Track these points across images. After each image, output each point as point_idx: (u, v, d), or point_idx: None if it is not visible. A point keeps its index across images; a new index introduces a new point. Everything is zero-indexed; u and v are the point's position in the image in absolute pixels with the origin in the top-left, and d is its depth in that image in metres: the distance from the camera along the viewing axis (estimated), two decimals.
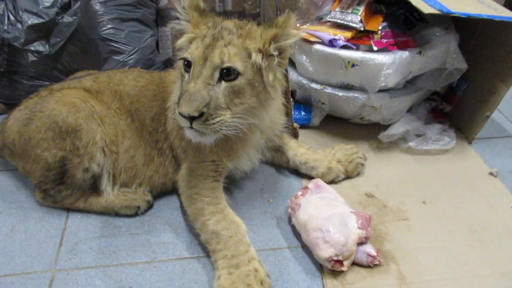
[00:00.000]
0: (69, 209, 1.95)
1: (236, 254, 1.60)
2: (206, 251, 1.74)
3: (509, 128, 2.65)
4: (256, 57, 1.54)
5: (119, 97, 1.97)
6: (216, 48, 1.51)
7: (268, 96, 1.65)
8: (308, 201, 1.81)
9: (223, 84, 1.53)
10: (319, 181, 1.93)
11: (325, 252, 1.62)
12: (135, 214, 1.93)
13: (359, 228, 1.68)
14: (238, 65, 1.52)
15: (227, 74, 1.52)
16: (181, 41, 1.68)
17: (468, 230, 1.89)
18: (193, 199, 1.79)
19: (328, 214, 1.72)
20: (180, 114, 1.49)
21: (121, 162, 1.93)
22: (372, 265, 1.69)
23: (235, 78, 1.54)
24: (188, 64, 1.59)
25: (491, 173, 2.23)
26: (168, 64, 2.69)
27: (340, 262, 1.63)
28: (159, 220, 1.93)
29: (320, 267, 1.71)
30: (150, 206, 1.97)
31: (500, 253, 1.78)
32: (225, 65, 1.51)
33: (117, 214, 1.93)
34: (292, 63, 2.45)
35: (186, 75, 1.58)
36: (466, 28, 2.40)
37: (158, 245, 1.81)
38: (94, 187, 1.92)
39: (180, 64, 1.63)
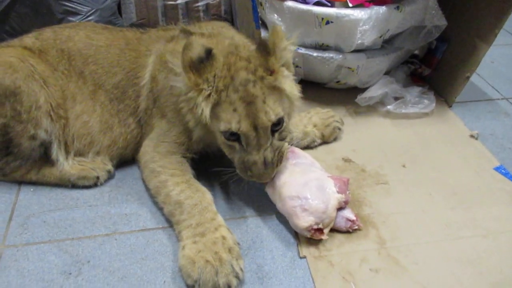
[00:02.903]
0: (21, 182, 1.79)
1: (201, 222, 1.48)
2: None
3: (489, 92, 2.58)
4: (287, 86, 1.50)
5: (67, 57, 1.79)
6: (259, 112, 1.43)
7: (294, 105, 1.59)
8: (282, 168, 1.68)
9: (276, 135, 1.52)
10: (293, 147, 1.80)
11: (304, 221, 1.50)
12: (94, 185, 1.78)
13: (338, 192, 1.56)
14: (280, 111, 1.48)
15: (276, 125, 1.49)
16: (186, 108, 1.53)
17: (449, 193, 1.81)
18: (157, 172, 1.65)
19: (304, 180, 1.59)
20: (260, 182, 1.55)
21: (73, 128, 1.76)
22: (351, 230, 1.59)
23: (282, 125, 1.52)
24: (232, 133, 1.46)
25: (472, 136, 2.15)
26: None
27: (320, 231, 1.52)
28: (121, 191, 1.78)
29: (295, 234, 1.60)
30: (111, 176, 1.82)
31: (482, 215, 1.70)
32: (272, 122, 1.45)
33: (74, 186, 1.77)
34: (264, 24, 2.30)
35: (237, 145, 1.50)
36: None
37: (120, 216, 1.67)
38: (47, 157, 1.75)
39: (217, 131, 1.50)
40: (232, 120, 1.42)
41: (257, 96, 1.43)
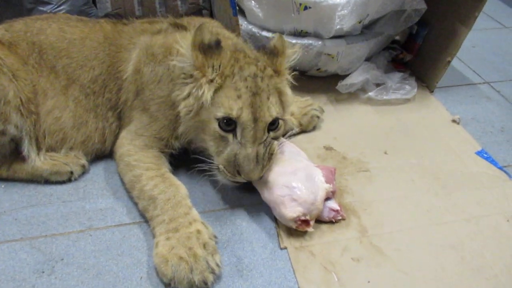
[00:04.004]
0: None
1: (174, 217, 1.43)
2: None
3: (470, 76, 2.57)
4: (287, 91, 1.55)
5: (38, 50, 1.72)
6: (263, 105, 1.43)
7: (288, 107, 1.60)
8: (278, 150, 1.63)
9: (271, 134, 1.51)
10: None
11: (292, 211, 1.46)
12: (68, 180, 1.72)
13: (326, 182, 1.53)
14: (279, 112, 1.49)
15: (272, 123, 1.49)
16: (185, 93, 1.48)
17: (431, 178, 1.79)
18: (132, 166, 1.60)
19: (292, 169, 1.56)
20: (248, 179, 1.47)
21: (44, 124, 1.70)
22: (334, 221, 1.56)
23: (278, 125, 1.52)
24: (228, 123, 1.42)
25: (453, 120, 2.14)
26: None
27: (306, 222, 1.48)
28: (96, 185, 1.73)
29: (276, 224, 1.56)
30: (85, 171, 1.76)
31: (465, 199, 1.69)
32: (272, 118, 1.46)
33: (48, 181, 1.71)
34: (241, 11, 2.24)
35: (230, 136, 1.45)
36: None
37: (95, 212, 1.61)
38: (18, 153, 1.68)
39: (210, 119, 1.46)
40: (234, 106, 1.40)
41: (263, 90, 1.44)
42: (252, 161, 1.42)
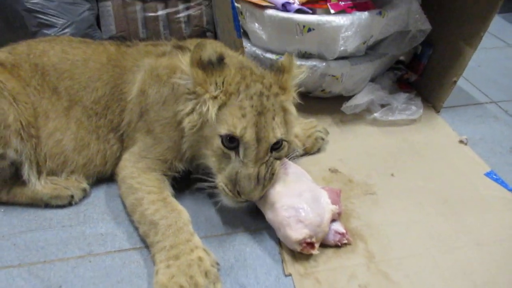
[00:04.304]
0: None
1: (175, 244, 1.39)
2: None
3: (476, 96, 2.54)
4: (292, 109, 1.55)
5: (41, 72, 1.72)
6: (268, 126, 1.42)
7: (292, 128, 1.61)
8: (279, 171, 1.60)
9: (274, 154, 1.49)
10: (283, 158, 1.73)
11: (298, 233, 1.42)
12: (68, 204, 1.70)
13: (331, 204, 1.50)
14: (283, 133, 1.48)
15: (276, 144, 1.47)
16: (188, 108, 1.48)
17: (440, 201, 1.74)
18: (134, 189, 1.57)
19: (298, 190, 1.53)
20: (247, 199, 1.45)
21: (45, 147, 1.68)
22: (340, 244, 1.51)
23: (282, 145, 1.51)
24: (231, 140, 1.41)
25: (461, 141, 2.10)
26: None
27: (311, 245, 1.44)
28: (97, 210, 1.70)
29: (281, 249, 1.52)
30: (86, 195, 1.74)
31: (475, 223, 1.64)
32: (276, 139, 1.45)
33: (48, 205, 1.68)
34: (245, 33, 2.24)
35: (232, 154, 1.43)
36: None
37: (95, 237, 1.58)
38: (18, 177, 1.65)
39: (213, 137, 1.45)
40: (238, 124, 1.39)
41: (269, 110, 1.43)
42: (253, 181, 1.40)
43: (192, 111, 1.46)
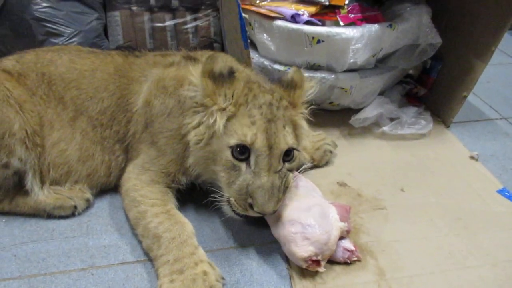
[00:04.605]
0: None
1: (179, 258, 1.35)
2: None
3: (487, 111, 2.51)
4: (303, 124, 1.53)
5: (47, 81, 1.70)
6: (279, 133, 1.39)
7: (302, 141, 1.58)
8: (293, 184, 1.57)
9: (286, 165, 1.45)
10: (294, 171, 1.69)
11: (303, 250, 1.37)
12: (71, 215, 1.66)
13: (340, 220, 1.45)
14: (295, 143, 1.45)
15: (287, 154, 1.43)
16: (195, 122, 1.45)
17: (451, 218, 1.69)
18: (137, 202, 1.53)
19: (307, 205, 1.49)
20: (261, 212, 1.38)
21: (49, 157, 1.65)
22: (349, 261, 1.47)
23: (293, 156, 1.47)
24: (241, 151, 1.37)
25: (472, 157, 2.06)
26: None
27: (317, 262, 1.39)
28: (100, 221, 1.66)
29: (288, 265, 1.47)
30: (89, 205, 1.70)
31: (489, 242, 1.59)
32: (288, 146, 1.41)
33: (50, 216, 1.65)
34: (253, 44, 2.23)
35: (243, 166, 1.39)
36: (440, 3, 2.23)
37: (98, 249, 1.54)
38: (21, 186, 1.62)
39: (222, 149, 1.41)
40: (248, 132, 1.35)
41: (279, 118, 1.41)
42: (267, 192, 1.34)
43: (199, 124, 1.43)
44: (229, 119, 1.39)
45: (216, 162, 1.44)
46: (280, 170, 1.40)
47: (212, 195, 1.49)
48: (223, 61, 1.40)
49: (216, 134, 1.39)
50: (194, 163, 1.52)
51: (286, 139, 1.39)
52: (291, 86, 1.51)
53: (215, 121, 1.38)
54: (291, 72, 1.54)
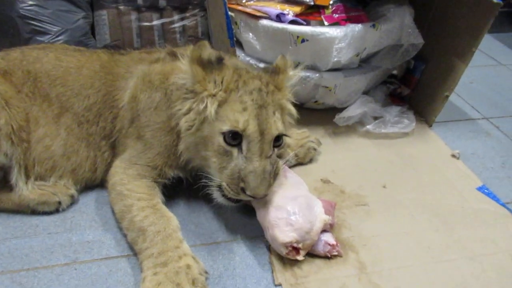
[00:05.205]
0: None
1: (163, 251, 1.36)
2: None
3: (469, 111, 2.55)
4: (290, 107, 1.57)
5: (33, 78, 1.70)
6: (269, 118, 1.42)
7: (289, 128, 1.62)
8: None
9: (275, 150, 1.49)
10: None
11: (285, 235, 1.40)
12: (55, 211, 1.66)
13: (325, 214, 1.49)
14: (284, 129, 1.49)
15: (277, 140, 1.47)
16: (186, 108, 1.47)
17: (431, 214, 1.73)
18: (124, 196, 1.54)
19: (293, 194, 1.52)
20: (253, 195, 1.40)
21: (34, 152, 1.65)
22: (329, 255, 1.49)
23: (282, 142, 1.51)
24: (234, 137, 1.39)
25: (453, 155, 2.10)
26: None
27: (297, 250, 1.42)
28: (85, 217, 1.66)
29: (270, 259, 1.49)
30: (74, 201, 1.70)
31: (467, 236, 1.63)
32: (279, 132, 1.45)
33: (34, 212, 1.64)
34: (239, 43, 2.25)
35: (234, 152, 1.41)
36: (423, 4, 2.28)
37: (81, 244, 1.54)
38: (5, 182, 1.62)
39: (214, 133, 1.43)
40: (240, 118, 1.38)
41: (269, 104, 1.44)
42: (259, 176, 1.37)
43: (189, 110, 1.45)
44: (220, 104, 1.42)
45: (208, 147, 1.46)
46: (271, 156, 1.43)
47: (203, 180, 1.50)
48: (210, 48, 1.43)
49: (208, 120, 1.42)
50: (185, 149, 1.54)
51: (277, 125, 1.43)
52: (275, 71, 1.54)
53: (205, 107, 1.41)
54: (277, 59, 1.58)
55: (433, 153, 2.13)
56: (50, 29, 2.11)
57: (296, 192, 1.54)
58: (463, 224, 1.68)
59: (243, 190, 1.40)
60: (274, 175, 1.46)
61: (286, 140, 1.90)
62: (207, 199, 1.58)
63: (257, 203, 1.53)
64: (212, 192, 1.50)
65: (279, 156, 1.55)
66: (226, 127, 1.38)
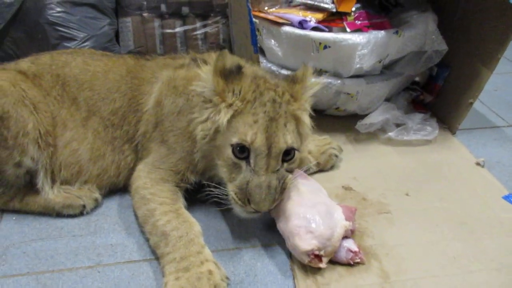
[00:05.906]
0: (3, 210, 1.71)
1: (186, 256, 1.37)
2: None
3: (493, 119, 2.51)
4: (306, 119, 1.53)
5: (62, 82, 1.74)
6: (278, 131, 1.41)
7: (306, 139, 1.59)
8: (291, 185, 1.58)
9: (285, 165, 1.47)
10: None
11: (306, 243, 1.39)
12: (80, 214, 1.69)
13: (345, 220, 1.47)
14: (295, 142, 1.46)
15: (287, 153, 1.46)
16: (204, 117, 1.48)
17: (456, 223, 1.70)
18: (147, 200, 1.56)
19: (312, 201, 1.51)
20: (256, 210, 1.41)
21: (61, 156, 1.69)
22: (352, 263, 1.48)
23: (293, 157, 1.48)
24: (241, 150, 1.40)
25: (478, 163, 2.06)
26: None
27: (319, 258, 1.41)
28: (108, 220, 1.69)
29: (292, 265, 1.48)
30: (98, 205, 1.74)
31: (494, 247, 1.59)
32: (287, 147, 1.42)
33: (59, 214, 1.68)
34: (261, 50, 2.26)
35: (243, 164, 1.42)
36: (447, 11, 2.25)
37: (105, 247, 1.56)
38: (32, 185, 1.66)
39: (224, 146, 1.45)
40: (248, 131, 1.38)
41: (280, 116, 1.43)
42: (263, 190, 1.37)
43: (207, 119, 1.47)
44: (234, 115, 1.43)
45: (220, 157, 1.48)
46: (278, 170, 1.42)
47: (217, 190, 1.50)
48: (231, 57, 1.44)
49: (220, 130, 1.43)
50: (201, 157, 1.56)
51: (286, 138, 1.41)
52: (293, 80, 1.53)
53: (221, 116, 1.42)
54: (300, 68, 1.57)
55: (457, 161, 2.09)
56: (77, 35, 2.16)
57: (315, 199, 1.53)
58: (489, 234, 1.65)
59: (249, 202, 1.41)
60: (281, 189, 1.45)
61: (308, 146, 1.91)
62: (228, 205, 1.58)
63: (276, 213, 1.53)
64: (233, 208, 1.50)
65: (291, 170, 1.54)
66: (235, 140, 1.40)
